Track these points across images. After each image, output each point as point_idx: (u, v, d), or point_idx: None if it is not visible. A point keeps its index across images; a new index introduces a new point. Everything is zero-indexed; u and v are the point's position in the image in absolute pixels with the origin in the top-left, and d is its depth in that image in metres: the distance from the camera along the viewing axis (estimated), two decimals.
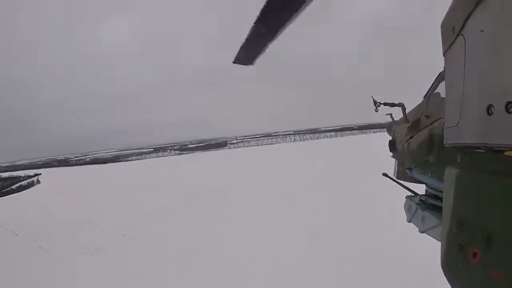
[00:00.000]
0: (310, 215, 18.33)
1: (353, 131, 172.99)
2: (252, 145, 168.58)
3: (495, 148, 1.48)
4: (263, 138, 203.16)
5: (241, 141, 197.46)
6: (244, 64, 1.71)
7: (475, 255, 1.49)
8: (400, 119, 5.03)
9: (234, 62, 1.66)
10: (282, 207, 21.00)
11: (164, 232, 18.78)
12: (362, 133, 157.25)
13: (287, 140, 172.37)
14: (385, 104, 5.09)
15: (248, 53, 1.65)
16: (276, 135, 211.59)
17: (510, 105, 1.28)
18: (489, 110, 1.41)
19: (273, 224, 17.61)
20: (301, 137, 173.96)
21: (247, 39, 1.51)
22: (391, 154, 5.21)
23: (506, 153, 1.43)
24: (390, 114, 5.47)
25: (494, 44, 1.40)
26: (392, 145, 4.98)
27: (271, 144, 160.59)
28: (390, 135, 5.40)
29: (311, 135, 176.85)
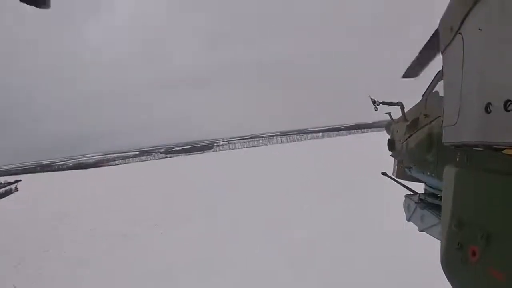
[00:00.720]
0: (305, 217, 18.40)
1: (340, 131, 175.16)
2: (239, 147, 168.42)
3: (494, 146, 1.51)
4: (250, 139, 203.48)
5: (228, 143, 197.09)
6: (36, 6, 1.42)
7: (474, 253, 1.51)
8: (399, 118, 5.16)
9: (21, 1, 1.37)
10: (275, 210, 21.00)
11: (148, 245, 18.06)
12: (349, 134, 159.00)
13: (273, 142, 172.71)
14: (383, 103, 5.22)
15: None
16: (263, 137, 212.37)
17: (508, 103, 1.31)
18: (487, 108, 1.44)
19: (267, 226, 17.60)
20: (288, 138, 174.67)
21: None
22: (390, 153, 5.35)
23: (504, 151, 1.46)
24: (389, 113, 5.60)
25: (492, 43, 1.43)
26: (391, 144, 5.11)
27: (258, 146, 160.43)
28: (389, 134, 5.53)
29: (298, 136, 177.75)
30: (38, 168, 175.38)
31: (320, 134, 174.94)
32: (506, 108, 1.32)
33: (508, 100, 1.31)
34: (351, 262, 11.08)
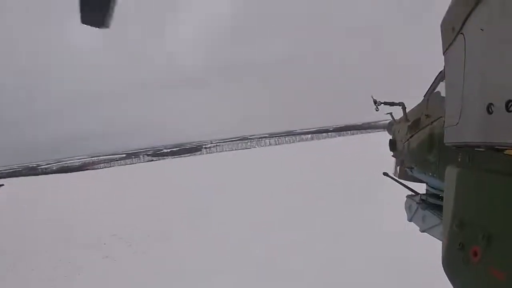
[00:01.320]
0: (294, 219, 18.44)
1: (329, 133, 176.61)
2: (227, 150, 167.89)
3: (495, 147, 1.52)
4: (238, 141, 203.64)
5: (216, 145, 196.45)
6: (96, 26, 1.42)
7: (475, 253, 1.53)
8: (400, 118, 5.26)
9: (83, 23, 1.38)
10: (264, 213, 20.96)
11: (140, 250, 17.65)
12: (339, 135, 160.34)
13: (262, 144, 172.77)
14: (385, 103, 5.32)
15: (94, 10, 1.35)
16: (251, 138, 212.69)
17: (510, 104, 1.32)
18: (489, 108, 1.46)
19: (257, 228, 17.58)
20: (277, 140, 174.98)
21: None
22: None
23: (506, 152, 1.47)
24: (390, 114, 5.70)
25: (494, 43, 1.44)
26: (392, 144, 5.21)
27: (246, 148, 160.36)
28: (390, 134, 5.63)
29: (287, 138, 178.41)
30: (24, 171, 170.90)
31: (309, 136, 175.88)
32: (507, 109, 1.33)
33: (509, 101, 1.32)
34: (346, 262, 11.18)
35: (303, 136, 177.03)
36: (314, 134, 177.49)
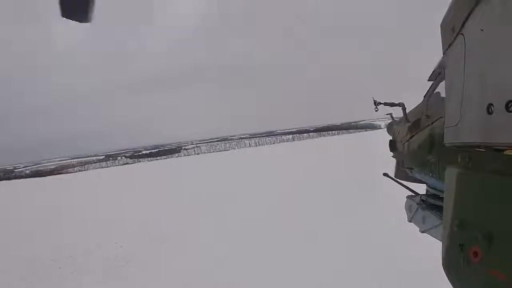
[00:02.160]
0: (283, 223, 18.43)
1: (310, 133, 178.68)
2: (205, 152, 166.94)
3: (495, 147, 1.54)
4: (218, 142, 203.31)
5: (196, 146, 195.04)
6: (78, 20, 1.39)
7: (476, 254, 1.55)
8: (400, 119, 5.34)
9: (63, 16, 1.34)
10: (250, 220, 20.73)
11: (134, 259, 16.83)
12: (320, 136, 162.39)
13: (242, 145, 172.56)
14: (385, 104, 5.39)
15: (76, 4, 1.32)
16: (232, 139, 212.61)
17: (510, 104, 1.34)
18: (489, 109, 1.47)
19: (251, 231, 17.51)
20: (257, 142, 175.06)
21: None
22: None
23: (506, 152, 1.49)
24: (391, 114, 5.78)
25: (494, 43, 1.46)
26: (393, 145, 5.28)
27: (225, 150, 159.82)
28: (390, 134, 5.71)
29: (268, 139, 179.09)
30: (2, 174, 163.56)
31: (290, 136, 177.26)
32: (507, 109, 1.34)
33: (510, 101, 1.34)
34: (343, 262, 11.28)
35: (284, 137, 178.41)
36: (295, 135, 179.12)
